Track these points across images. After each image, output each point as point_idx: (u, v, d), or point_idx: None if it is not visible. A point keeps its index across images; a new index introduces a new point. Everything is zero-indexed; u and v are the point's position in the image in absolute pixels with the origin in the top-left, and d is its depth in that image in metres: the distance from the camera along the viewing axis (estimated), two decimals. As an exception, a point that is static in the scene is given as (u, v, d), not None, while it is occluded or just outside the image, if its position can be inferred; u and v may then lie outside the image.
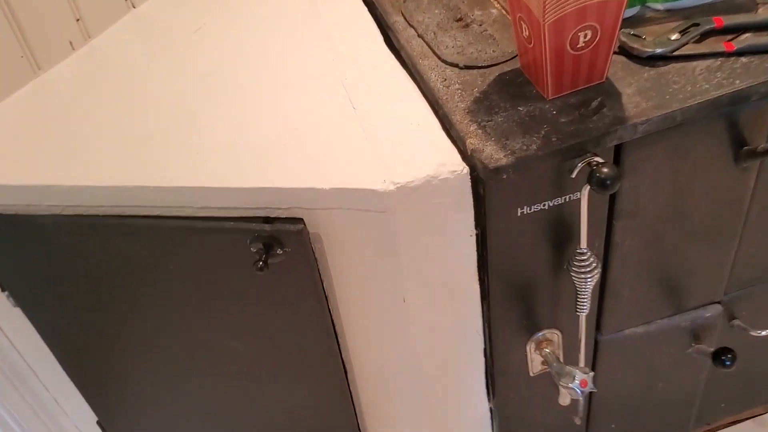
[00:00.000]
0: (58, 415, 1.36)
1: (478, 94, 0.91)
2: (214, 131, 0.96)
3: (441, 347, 1.05)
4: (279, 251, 0.89)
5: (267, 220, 0.89)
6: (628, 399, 1.27)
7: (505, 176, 0.81)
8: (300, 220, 0.88)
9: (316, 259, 0.92)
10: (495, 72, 0.93)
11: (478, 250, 0.94)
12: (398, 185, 0.83)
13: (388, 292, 0.96)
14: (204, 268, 0.96)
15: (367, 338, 1.06)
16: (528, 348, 1.11)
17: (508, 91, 0.90)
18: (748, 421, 1.53)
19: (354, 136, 0.90)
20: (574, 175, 0.84)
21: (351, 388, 1.12)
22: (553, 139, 0.81)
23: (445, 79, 0.94)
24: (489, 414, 1.21)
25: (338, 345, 1.04)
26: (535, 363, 1.13)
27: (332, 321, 1.01)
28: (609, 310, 1.09)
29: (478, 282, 0.98)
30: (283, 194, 0.87)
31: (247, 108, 1.00)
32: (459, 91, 0.92)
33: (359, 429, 1.17)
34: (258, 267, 0.87)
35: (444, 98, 0.91)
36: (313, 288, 0.94)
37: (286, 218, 0.89)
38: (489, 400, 1.18)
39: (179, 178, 0.89)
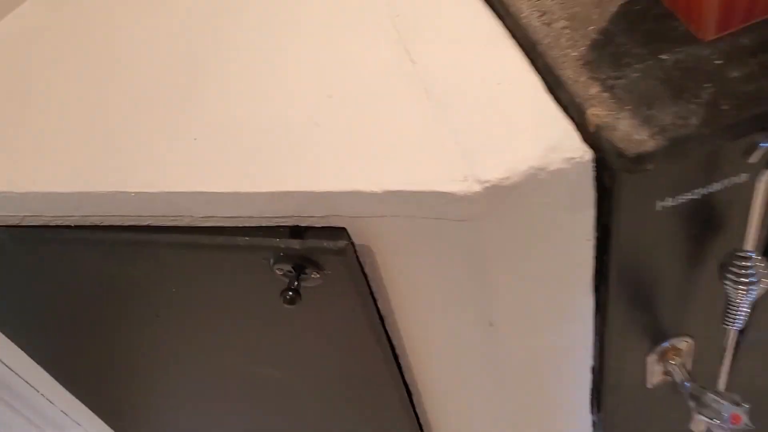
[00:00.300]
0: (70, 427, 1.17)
1: (596, 36, 0.60)
2: (217, 106, 0.69)
3: (537, 371, 0.80)
4: (314, 274, 0.64)
5: (295, 232, 0.63)
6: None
7: (651, 166, 0.53)
8: (342, 231, 0.62)
9: (367, 281, 0.66)
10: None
11: (596, 256, 0.67)
12: (486, 185, 0.55)
13: (468, 317, 0.70)
14: (215, 292, 0.71)
15: (439, 370, 0.80)
16: (648, 359, 0.85)
17: (642, 29, 0.60)
18: None
19: (414, 105, 0.62)
20: (753, 159, 0.55)
21: (421, 422, 0.88)
22: (723, 107, 0.52)
23: (544, 13, 0.64)
24: (591, 427, 0.96)
25: (402, 378, 0.79)
26: (655, 374, 0.87)
27: (393, 350, 0.76)
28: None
29: (592, 294, 0.71)
30: (317, 199, 0.60)
31: (262, 65, 0.72)
32: (566, 30, 0.62)
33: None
34: (287, 298, 0.62)
35: (545, 42, 0.61)
36: (364, 316, 0.68)
37: (322, 228, 0.63)
38: (592, 412, 0.93)
39: (169, 179, 0.63)
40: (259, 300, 0.70)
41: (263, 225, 0.64)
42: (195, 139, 0.66)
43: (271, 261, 0.64)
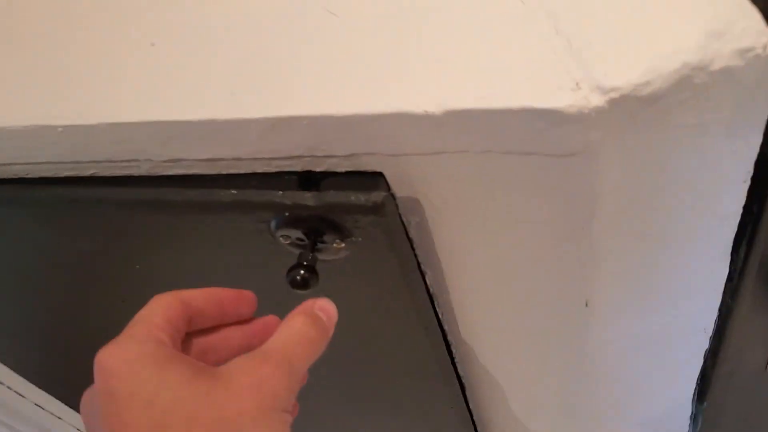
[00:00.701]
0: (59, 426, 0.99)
1: None
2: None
3: (635, 361, 0.59)
4: (337, 243, 0.43)
5: (307, 180, 0.42)
6: None
7: None
8: (377, 178, 0.41)
9: (414, 251, 0.45)
10: None
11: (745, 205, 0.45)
12: (612, 94, 0.34)
13: (556, 297, 0.50)
14: (193, 269, 0.50)
15: (503, 365, 0.60)
16: (780, 340, 0.64)
17: None
18: None
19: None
20: None
21: (474, 419, 0.68)
22: None
23: None
24: (690, 422, 0.76)
25: (457, 374, 0.59)
26: (782, 357, 0.67)
27: (446, 341, 0.55)
28: None
29: (728, 260, 0.50)
30: (340, 127, 0.38)
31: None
32: None
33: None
34: (297, 280, 0.41)
35: None
36: (409, 300, 0.48)
37: (347, 174, 0.42)
38: (693, 404, 0.73)
39: (114, 105, 0.42)
40: (256, 281, 0.49)
41: (258, 171, 0.43)
42: (152, 44, 0.44)
43: (273, 225, 0.43)
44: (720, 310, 0.57)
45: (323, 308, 0.37)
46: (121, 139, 0.42)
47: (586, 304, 0.50)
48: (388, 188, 0.41)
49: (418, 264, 0.47)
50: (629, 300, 0.51)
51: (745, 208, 0.46)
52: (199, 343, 0.37)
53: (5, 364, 0.78)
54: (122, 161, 0.44)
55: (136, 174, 0.45)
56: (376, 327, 0.53)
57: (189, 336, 0.36)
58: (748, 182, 0.43)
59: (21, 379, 0.82)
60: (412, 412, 0.65)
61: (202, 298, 0.37)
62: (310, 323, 0.36)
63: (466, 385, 0.66)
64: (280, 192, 0.41)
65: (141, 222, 0.46)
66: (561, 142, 0.36)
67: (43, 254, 0.54)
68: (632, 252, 0.46)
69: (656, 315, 0.54)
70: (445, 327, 0.57)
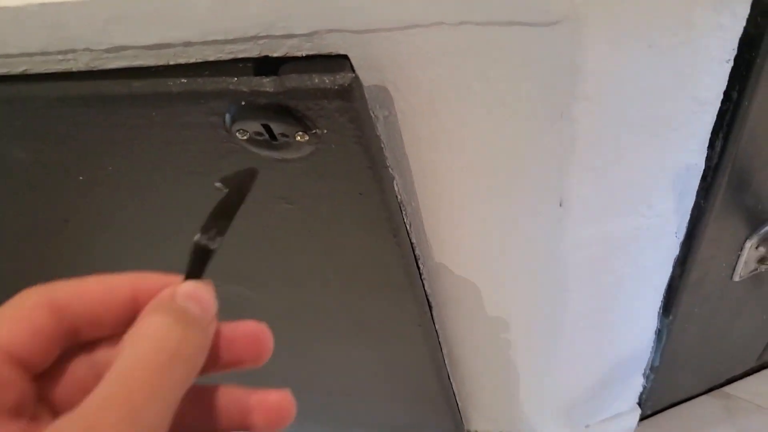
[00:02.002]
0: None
1: None
2: None
3: (608, 265, 0.58)
4: (299, 136, 0.39)
5: (264, 66, 0.38)
6: None
7: None
8: (342, 61, 0.37)
9: (381, 145, 0.42)
10: None
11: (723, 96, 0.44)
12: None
13: (532, 194, 0.47)
14: (142, 176, 0.46)
15: (474, 272, 0.58)
16: (747, 245, 0.64)
17: None
18: None
19: None
20: None
21: (439, 331, 0.67)
22: None
23: None
24: (654, 336, 0.76)
25: (424, 288, 0.56)
26: (748, 264, 0.67)
27: (413, 248, 0.53)
28: None
29: (704, 155, 0.49)
30: (297, 2, 0.35)
31: None
32: None
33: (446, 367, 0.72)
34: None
35: None
36: (378, 203, 0.45)
37: (308, 58, 0.38)
38: (658, 319, 0.73)
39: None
40: (209, 185, 0.45)
41: (211, 59, 0.39)
42: None
43: (228, 118, 0.39)
44: (691, 213, 0.56)
45: (192, 295, 0.25)
46: (53, 23, 0.37)
47: (561, 204, 0.48)
48: (353, 71, 0.37)
49: (385, 163, 0.44)
50: (603, 198, 0.49)
51: (724, 94, 0.44)
52: (94, 362, 0.26)
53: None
54: (57, 53, 0.39)
55: (74, 69, 0.40)
56: (341, 238, 0.50)
57: (77, 351, 0.26)
58: (731, 62, 0.41)
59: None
60: (379, 331, 0.63)
61: (91, 298, 0.25)
62: (171, 323, 0.24)
63: (433, 303, 0.64)
64: (235, 78, 0.37)
65: (81, 123, 0.42)
66: (544, 7, 0.33)
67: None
68: (609, 143, 0.44)
69: (629, 216, 0.52)
70: (413, 239, 0.54)
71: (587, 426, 0.94)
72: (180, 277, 0.27)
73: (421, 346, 0.64)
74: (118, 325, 0.26)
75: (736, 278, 0.69)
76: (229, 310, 0.62)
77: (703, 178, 0.52)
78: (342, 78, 0.36)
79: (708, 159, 0.50)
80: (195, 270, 0.27)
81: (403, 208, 0.51)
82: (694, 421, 1.03)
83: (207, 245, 0.27)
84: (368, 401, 0.80)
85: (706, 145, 0.48)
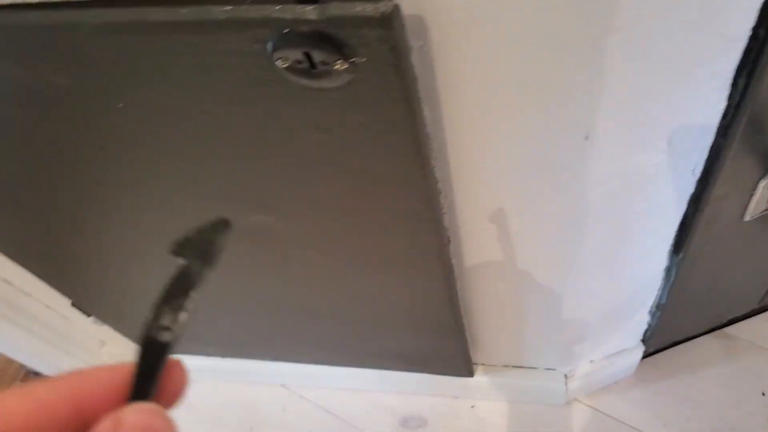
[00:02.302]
0: (27, 303, 0.96)
1: None
2: None
3: (624, 200, 0.60)
4: (338, 64, 0.40)
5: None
6: None
7: None
8: (383, -9, 0.38)
9: (415, 77, 0.43)
10: None
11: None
12: None
13: (559, 127, 0.49)
14: (181, 104, 0.48)
15: (496, 208, 0.60)
16: (760, 185, 0.65)
17: None
18: None
19: None
20: None
21: (454, 265, 0.69)
22: None
23: None
24: (663, 274, 0.78)
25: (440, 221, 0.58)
26: (759, 204, 0.68)
27: (436, 182, 0.54)
28: None
29: (726, 92, 0.50)
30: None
31: None
32: None
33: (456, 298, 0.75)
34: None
35: None
36: (410, 130, 0.46)
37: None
38: (669, 257, 0.75)
39: None
40: (249, 113, 0.47)
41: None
42: None
43: (270, 46, 0.40)
44: (709, 151, 0.58)
45: (138, 426, 0.19)
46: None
47: (586, 138, 0.49)
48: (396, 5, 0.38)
49: (416, 100, 0.45)
50: (627, 133, 0.50)
51: (752, 31, 0.45)
52: None
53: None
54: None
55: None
56: (369, 168, 0.51)
57: None
58: (761, -1, 0.42)
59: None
60: (399, 262, 0.65)
61: (23, 422, 0.19)
62: None
63: (451, 236, 0.66)
64: (278, 6, 0.38)
65: (124, 50, 0.43)
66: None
67: (8, 97, 0.50)
68: (638, 77, 0.45)
69: (650, 152, 0.53)
70: (437, 173, 0.56)
71: (591, 361, 0.97)
72: (124, 388, 0.20)
73: (438, 277, 0.66)
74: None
75: (747, 218, 0.71)
76: (252, 240, 0.64)
77: (724, 116, 0.53)
78: (384, 6, 0.37)
79: (729, 97, 0.51)
80: (146, 375, 0.21)
81: (430, 142, 0.52)
82: (695, 360, 1.07)
83: (159, 337, 0.21)
84: (381, 331, 0.83)
85: (730, 82, 0.49)
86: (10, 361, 1.28)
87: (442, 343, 0.85)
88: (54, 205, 0.65)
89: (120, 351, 1.13)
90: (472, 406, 1.07)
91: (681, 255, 0.74)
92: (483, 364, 0.99)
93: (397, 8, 0.37)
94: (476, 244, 0.66)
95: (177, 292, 0.21)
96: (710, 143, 0.56)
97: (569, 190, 0.55)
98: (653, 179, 0.58)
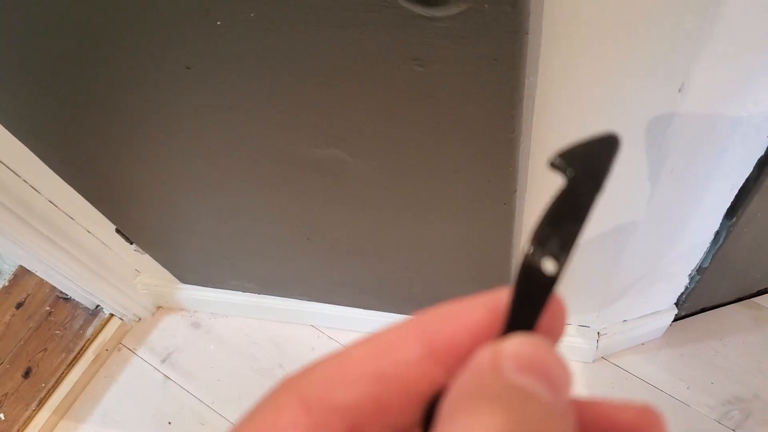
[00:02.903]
0: (69, 226, 0.97)
1: None
2: None
3: (697, 156, 0.60)
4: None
5: None
6: None
7: None
8: None
9: (529, 12, 0.43)
10: None
11: None
12: None
13: (653, 78, 0.48)
14: (267, 24, 0.47)
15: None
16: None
17: None
18: None
19: None
20: None
21: (517, 216, 0.69)
22: None
23: None
24: (712, 237, 0.79)
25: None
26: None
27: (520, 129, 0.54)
28: None
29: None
30: None
31: None
32: None
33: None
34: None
35: None
36: (509, 71, 0.46)
37: None
38: (721, 220, 0.75)
39: None
40: (350, 38, 0.46)
41: None
42: None
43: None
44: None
45: (530, 364, 0.16)
46: None
47: (680, 90, 0.49)
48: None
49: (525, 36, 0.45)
50: (720, 88, 0.50)
51: None
52: None
53: (25, 144, 0.74)
54: None
55: None
56: (459, 107, 0.51)
57: None
58: None
59: (36, 169, 0.79)
60: (466, 207, 0.65)
61: (362, 391, 0.17)
62: (501, 423, 0.14)
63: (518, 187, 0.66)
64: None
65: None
66: None
67: None
68: (744, 29, 0.44)
69: (735, 108, 0.53)
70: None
71: (625, 321, 0.98)
72: (500, 317, 0.18)
73: (502, 225, 0.67)
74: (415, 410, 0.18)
75: (807, 186, 0.71)
76: (320, 173, 0.64)
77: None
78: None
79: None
80: (524, 310, 0.17)
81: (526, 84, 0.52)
82: (723, 327, 1.08)
83: (543, 269, 0.17)
84: (431, 278, 0.84)
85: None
86: (41, 284, 1.30)
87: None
88: (118, 123, 0.65)
89: (155, 282, 1.14)
90: (500, 358, 1.08)
91: (734, 219, 0.74)
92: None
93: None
94: (542, 194, 0.67)
95: (565, 213, 0.17)
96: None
97: (650, 144, 0.55)
98: (729, 137, 0.58)
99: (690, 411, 1.01)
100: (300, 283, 1.00)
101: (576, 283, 0.84)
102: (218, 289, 1.11)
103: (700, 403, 1.02)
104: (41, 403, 1.11)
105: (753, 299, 1.10)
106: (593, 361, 1.06)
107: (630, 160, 0.58)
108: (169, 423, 1.09)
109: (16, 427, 1.09)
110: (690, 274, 0.89)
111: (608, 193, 0.62)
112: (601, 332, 0.98)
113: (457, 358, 0.17)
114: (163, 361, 1.16)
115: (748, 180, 0.67)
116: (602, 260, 0.76)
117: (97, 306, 1.20)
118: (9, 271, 1.31)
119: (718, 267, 0.87)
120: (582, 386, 1.04)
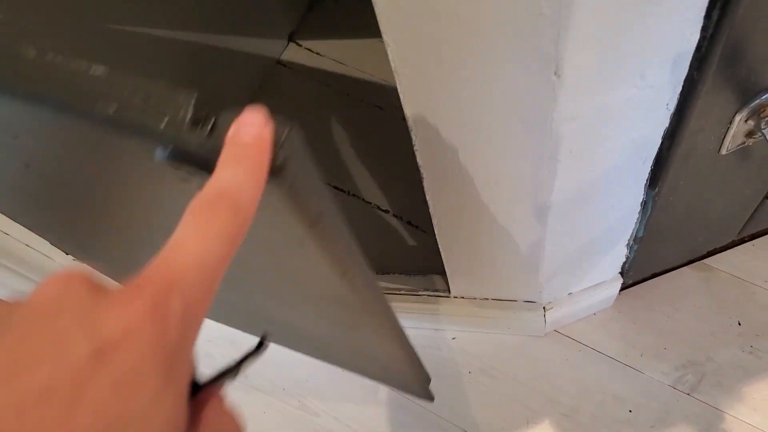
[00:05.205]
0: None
1: None
2: None
3: (597, 136, 0.59)
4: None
5: None
6: None
7: None
8: None
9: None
10: None
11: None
12: None
13: (525, 62, 0.48)
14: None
15: (457, 141, 0.59)
16: (736, 118, 0.65)
17: None
18: None
19: None
20: None
21: (429, 201, 0.69)
22: None
23: None
24: (639, 208, 0.79)
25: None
26: (735, 137, 0.68)
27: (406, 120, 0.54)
28: None
29: (700, 24, 0.49)
30: None
31: None
32: None
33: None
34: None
35: None
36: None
37: None
38: (645, 191, 0.75)
39: None
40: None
41: None
42: None
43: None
44: (683, 85, 0.57)
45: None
46: None
47: (556, 73, 0.48)
48: None
49: None
50: (598, 69, 0.49)
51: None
52: None
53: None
54: None
55: None
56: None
57: None
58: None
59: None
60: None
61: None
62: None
63: (424, 174, 0.65)
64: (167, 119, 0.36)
65: None
66: None
67: None
68: (609, 9, 0.43)
69: (623, 87, 0.53)
70: (406, 111, 0.55)
71: (570, 294, 0.98)
72: None
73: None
74: None
75: (723, 152, 0.70)
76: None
77: (697, 49, 0.52)
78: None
79: (704, 29, 0.50)
80: None
81: (397, 77, 0.51)
82: (674, 291, 1.08)
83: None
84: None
85: (704, 14, 0.48)
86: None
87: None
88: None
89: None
90: (453, 338, 1.09)
91: (657, 189, 0.74)
92: (463, 297, 1.01)
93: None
94: (450, 181, 0.66)
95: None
96: (684, 77, 0.55)
97: (540, 128, 0.54)
98: (626, 114, 0.57)
99: (643, 378, 1.02)
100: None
101: (508, 262, 0.83)
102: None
103: (654, 369, 1.02)
104: None
105: (704, 261, 1.10)
106: (545, 335, 1.06)
107: (526, 143, 0.57)
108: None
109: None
110: (627, 244, 0.89)
111: (511, 176, 0.62)
112: (546, 307, 0.98)
113: None
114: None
115: (661, 151, 0.67)
116: (527, 240, 0.76)
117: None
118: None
119: (654, 234, 0.87)
120: (535, 359, 1.05)
